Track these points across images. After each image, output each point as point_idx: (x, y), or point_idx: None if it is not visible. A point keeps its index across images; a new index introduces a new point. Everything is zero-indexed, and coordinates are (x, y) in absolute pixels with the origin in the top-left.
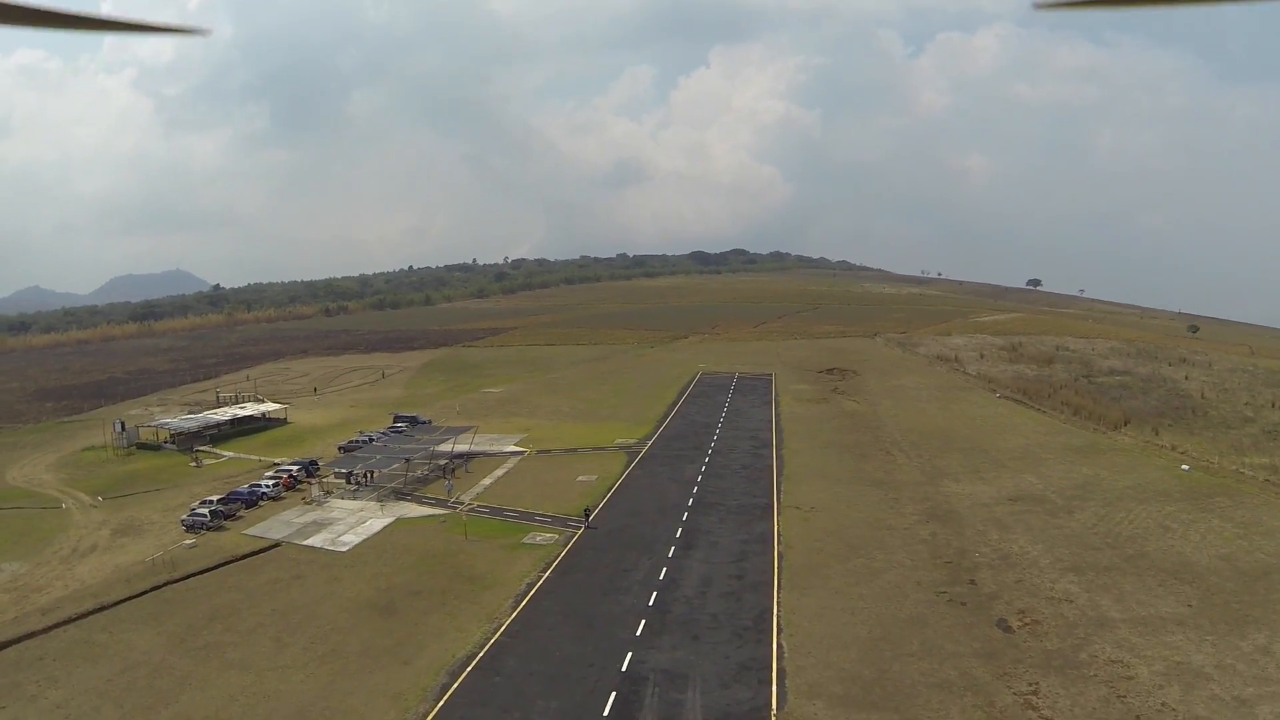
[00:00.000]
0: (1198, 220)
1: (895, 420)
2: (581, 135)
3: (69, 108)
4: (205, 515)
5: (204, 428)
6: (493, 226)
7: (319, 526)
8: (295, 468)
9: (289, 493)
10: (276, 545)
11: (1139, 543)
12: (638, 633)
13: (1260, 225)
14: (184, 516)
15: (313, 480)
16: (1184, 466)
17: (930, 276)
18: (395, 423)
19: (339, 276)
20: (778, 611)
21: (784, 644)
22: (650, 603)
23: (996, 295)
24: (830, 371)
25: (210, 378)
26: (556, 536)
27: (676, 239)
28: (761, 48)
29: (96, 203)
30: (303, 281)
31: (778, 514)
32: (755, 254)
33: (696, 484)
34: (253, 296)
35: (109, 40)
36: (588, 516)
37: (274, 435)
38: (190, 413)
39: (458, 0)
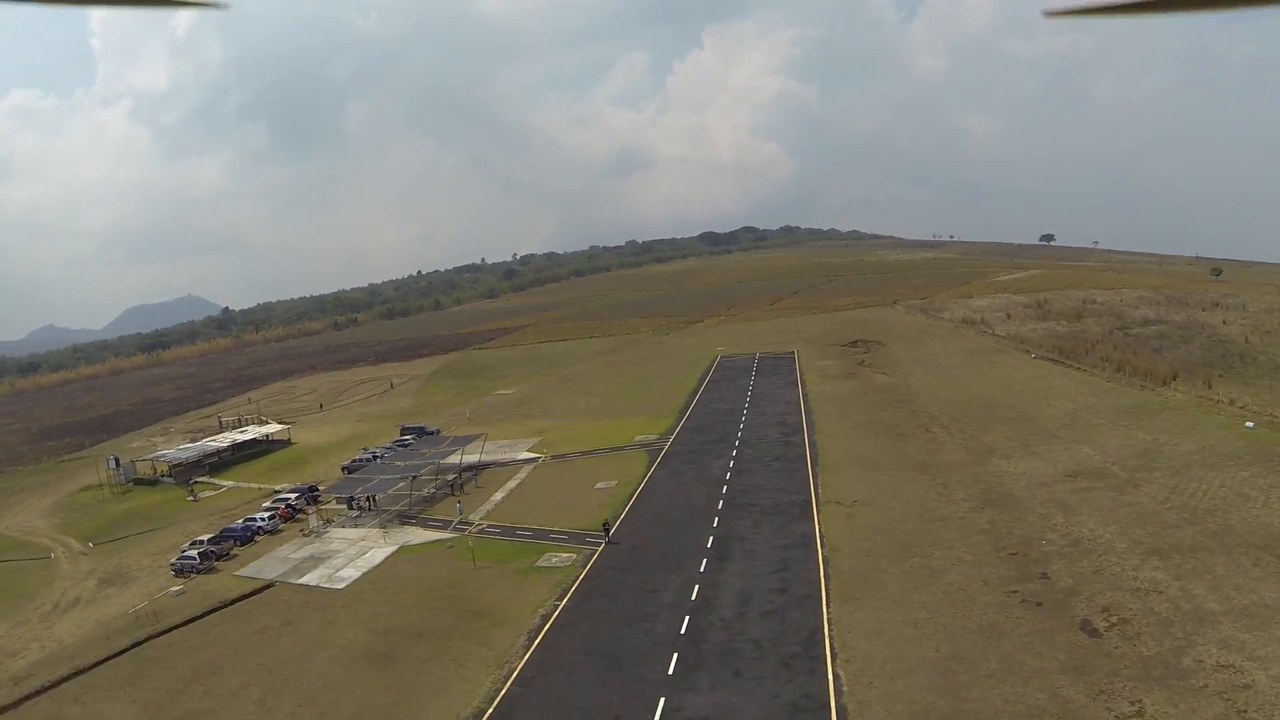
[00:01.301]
0: (1204, 163)
1: (929, 392)
2: (582, 128)
3: (68, 144)
4: (194, 558)
5: (202, 456)
6: (500, 226)
7: (316, 561)
8: (294, 496)
9: (288, 524)
10: (270, 586)
11: (1220, 516)
12: (670, 670)
13: (1267, 164)
14: (173, 560)
15: (310, 510)
16: (1248, 424)
17: (943, 240)
18: (402, 435)
19: (348, 289)
20: (829, 631)
21: (840, 673)
22: (683, 630)
23: (1011, 254)
24: (854, 344)
25: (215, 403)
26: (574, 556)
27: (685, 222)
28: (753, 24)
29: (103, 235)
30: (311, 297)
31: (818, 511)
32: (765, 230)
33: (725, 482)
34: (261, 317)
35: (102, 73)
36: (607, 531)
37: (277, 458)
38: (192, 440)
39: (444, 5)
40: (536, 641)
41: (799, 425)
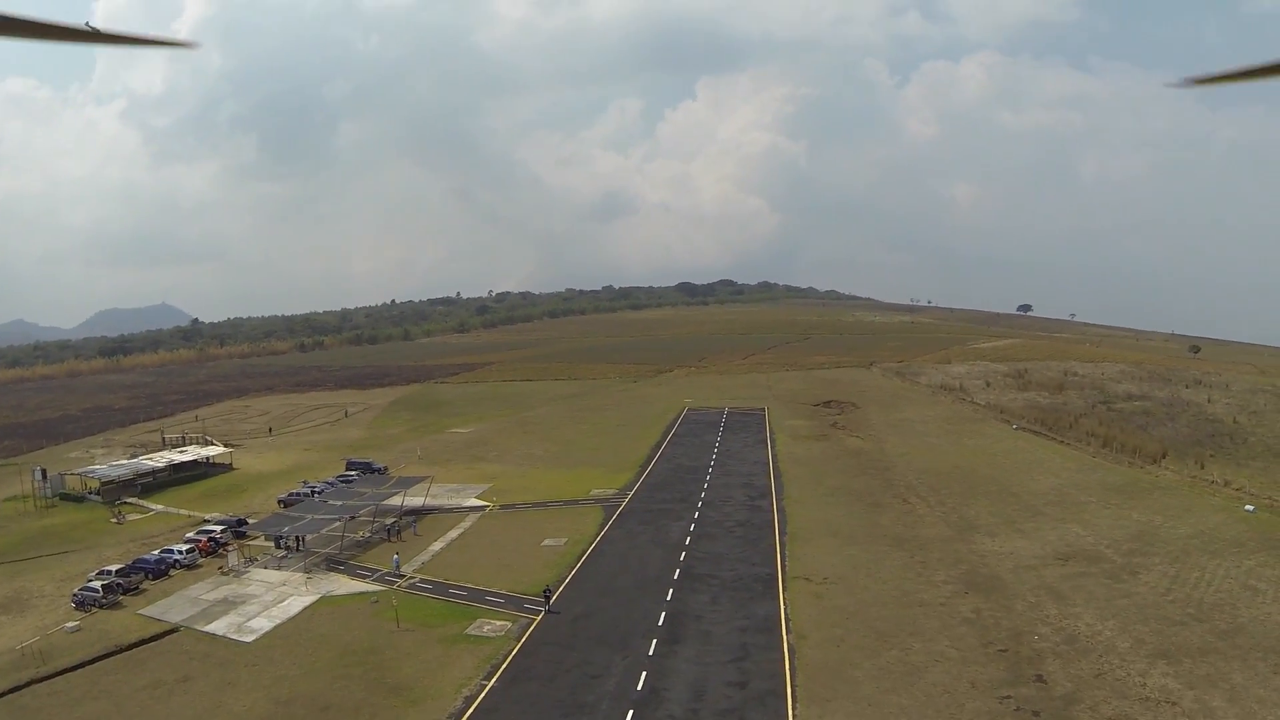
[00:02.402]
0: (1182, 242)
1: (906, 459)
2: (568, 168)
3: (57, 138)
4: (98, 590)
5: (136, 476)
6: (480, 260)
7: (228, 606)
8: (219, 528)
9: (209, 559)
10: (173, 631)
11: (1229, 612)
12: None
13: (1243, 246)
14: (76, 590)
15: (231, 546)
16: (1248, 507)
17: (920, 305)
18: (347, 470)
19: (320, 311)
20: None
21: None
22: None
23: (988, 321)
24: (827, 404)
25: (166, 416)
26: (509, 625)
27: (664, 271)
28: (748, 79)
29: (83, 234)
30: (281, 316)
31: (784, 588)
32: (743, 284)
33: (684, 548)
34: (228, 332)
35: (100, 70)
36: (548, 598)
37: (214, 484)
38: (132, 456)
39: (444, 34)
40: None
41: (767, 489)
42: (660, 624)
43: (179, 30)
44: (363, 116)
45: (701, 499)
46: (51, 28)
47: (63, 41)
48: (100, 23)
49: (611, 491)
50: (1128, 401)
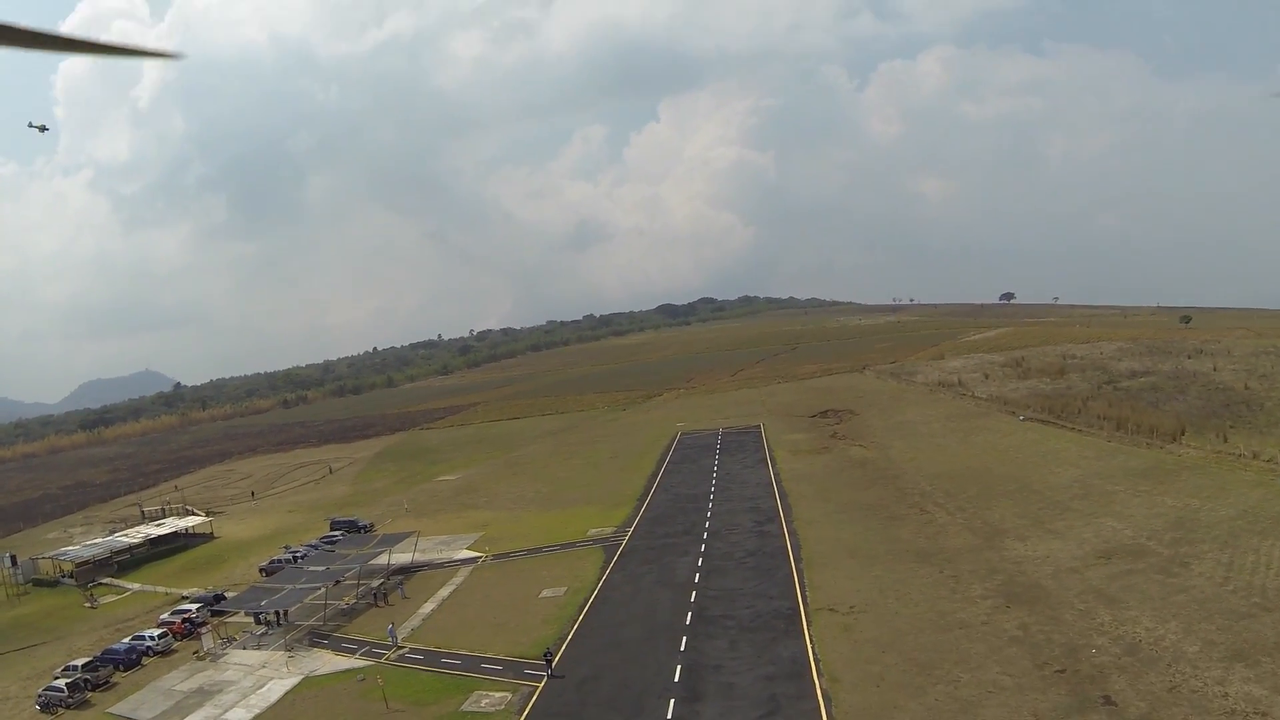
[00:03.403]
0: (1155, 214)
1: (915, 464)
2: (538, 201)
3: (27, 212)
4: (62, 690)
5: (111, 554)
6: (459, 302)
7: (203, 697)
8: (195, 607)
9: (185, 641)
10: None
11: None
12: None
13: (1215, 213)
14: (41, 690)
15: (204, 626)
16: None
17: (903, 303)
18: (331, 530)
19: (303, 365)
20: None
21: None
22: None
23: (974, 313)
24: (824, 414)
25: (147, 487)
26: (509, 696)
27: (643, 295)
28: (709, 95)
29: (61, 308)
30: (264, 374)
31: (808, 624)
32: (723, 301)
33: (694, 587)
34: (210, 394)
35: (64, 141)
36: (550, 661)
37: (193, 556)
38: (111, 532)
39: (403, 79)
40: None
41: (774, 511)
42: (676, 680)
43: (139, 97)
44: (330, 168)
45: (706, 529)
46: (26, 34)
47: (33, 49)
48: (60, 95)
49: (610, 530)
50: (1133, 379)
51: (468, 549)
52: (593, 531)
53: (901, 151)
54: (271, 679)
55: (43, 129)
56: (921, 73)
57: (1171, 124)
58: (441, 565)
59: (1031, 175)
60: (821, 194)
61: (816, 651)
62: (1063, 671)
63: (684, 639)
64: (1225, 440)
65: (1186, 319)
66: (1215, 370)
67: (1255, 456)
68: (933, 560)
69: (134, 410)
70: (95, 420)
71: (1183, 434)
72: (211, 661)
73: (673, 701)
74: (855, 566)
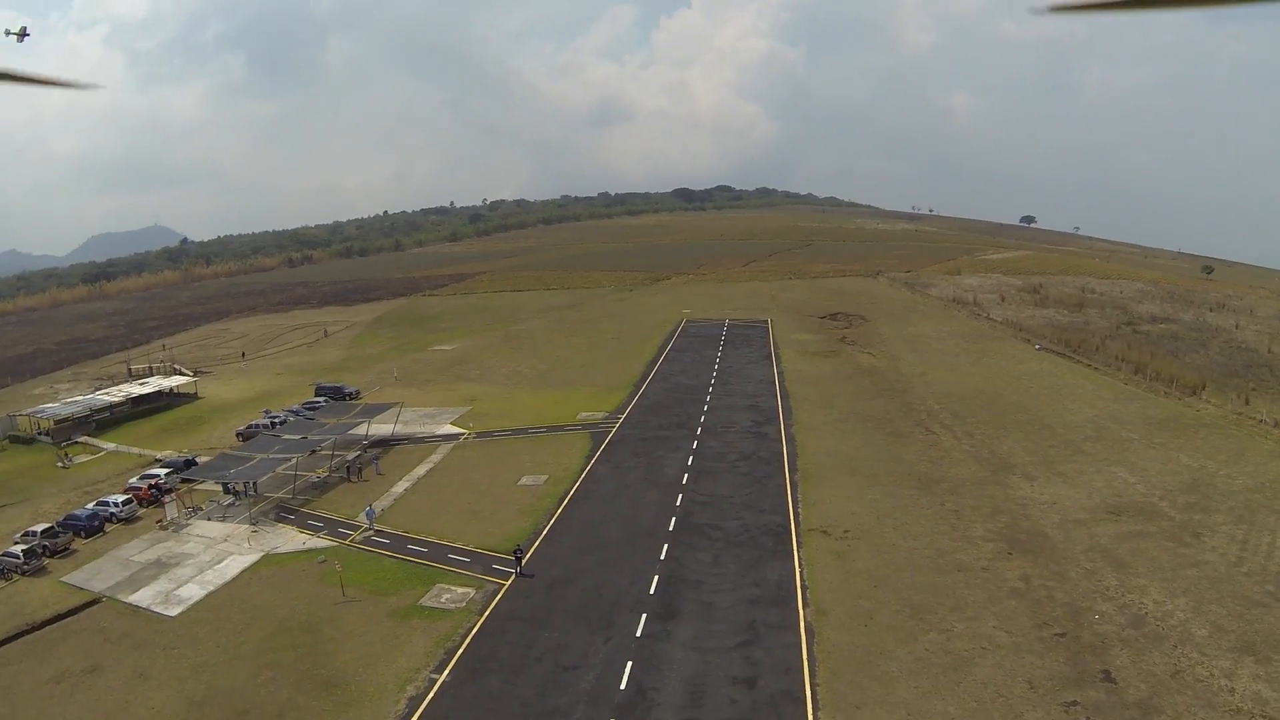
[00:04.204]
0: (1186, 159)
1: (924, 380)
2: (563, 76)
3: (40, 66)
4: (18, 556)
5: (91, 412)
6: (475, 171)
7: (160, 569)
8: (165, 472)
9: (152, 507)
10: (95, 603)
11: None
12: None
13: (1247, 164)
14: None
15: (169, 496)
16: None
17: (922, 213)
18: (315, 395)
19: (313, 225)
20: None
21: None
22: None
23: (993, 232)
24: (834, 317)
25: (144, 344)
26: (472, 593)
27: (661, 178)
28: None
29: (72, 162)
30: (271, 232)
31: (798, 544)
32: (741, 190)
33: (681, 489)
34: (216, 250)
35: None
36: (520, 559)
37: (174, 417)
38: (97, 389)
39: None
40: None
41: (774, 412)
42: (652, 592)
43: None
44: (352, 30)
45: (701, 424)
46: None
47: None
48: None
49: (601, 415)
50: (1153, 324)
51: (451, 424)
52: (583, 415)
53: (934, 63)
54: (231, 554)
55: (22, 34)
56: None
57: (1215, 67)
58: (422, 440)
59: (1065, 103)
60: (849, 96)
61: (805, 578)
62: (1063, 636)
63: (665, 547)
64: (1247, 403)
65: (1209, 270)
66: (1237, 328)
67: (1277, 425)
68: (935, 489)
69: (138, 265)
70: (98, 274)
71: (1203, 389)
72: (174, 532)
73: (644, 617)
74: (853, 485)
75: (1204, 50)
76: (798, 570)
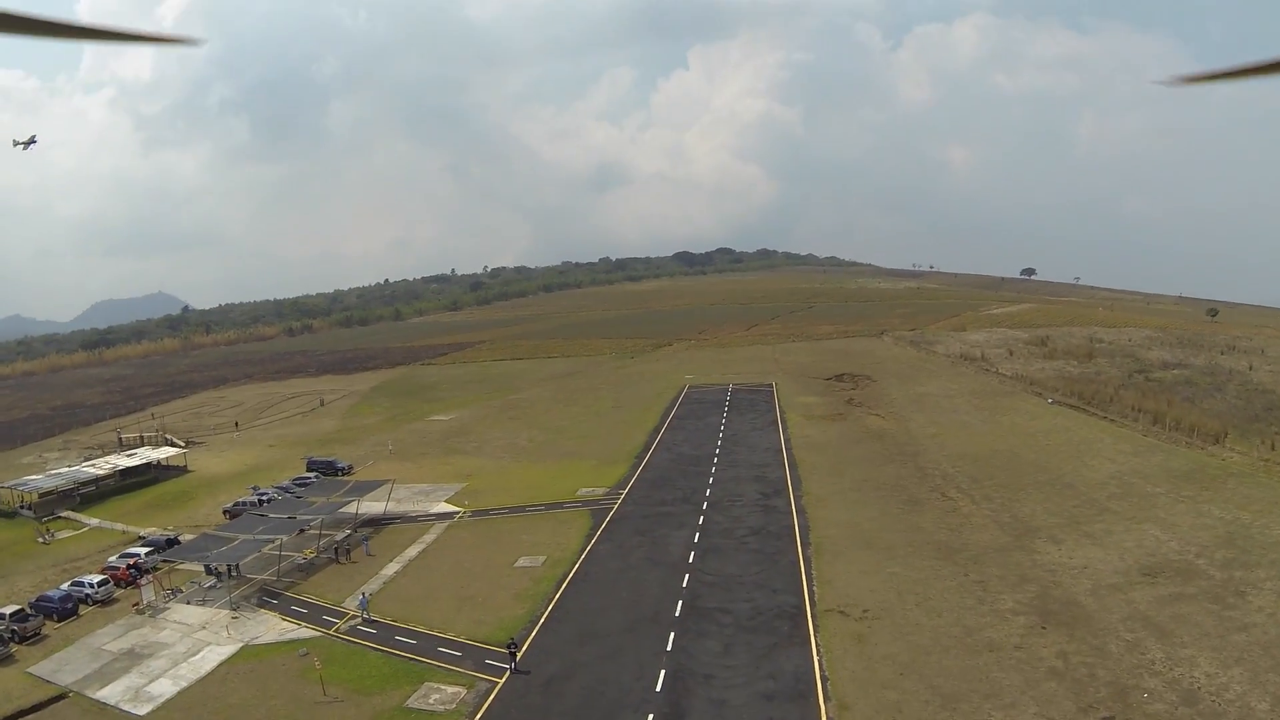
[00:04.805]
0: (1183, 203)
1: (936, 441)
2: (562, 140)
3: (47, 128)
4: None
5: (76, 485)
6: (476, 236)
7: (133, 660)
8: (145, 552)
9: (131, 589)
10: (61, 698)
11: None
12: None
13: (1242, 206)
14: None
15: (143, 580)
16: None
17: (923, 270)
18: (307, 470)
19: (313, 294)
20: None
21: None
22: None
23: (994, 286)
24: (840, 378)
25: (136, 411)
26: (463, 693)
27: (661, 241)
28: (740, 46)
29: (77, 226)
30: (272, 300)
31: (815, 628)
32: (741, 253)
33: (687, 570)
34: (217, 318)
35: (87, 60)
36: (514, 653)
37: (161, 491)
38: (86, 459)
39: (433, 8)
40: None
41: (782, 483)
42: (659, 689)
43: (164, 17)
44: (354, 95)
45: (706, 498)
46: (43, 23)
47: (54, 38)
48: (87, 16)
49: (601, 491)
50: (1165, 370)
51: (446, 501)
52: (583, 491)
53: (930, 118)
54: (208, 644)
55: (29, 143)
56: (957, 39)
57: (1208, 112)
58: (415, 519)
59: (1060, 152)
60: (847, 154)
61: (824, 666)
62: None
63: (671, 635)
64: (1273, 448)
65: (1214, 312)
66: (1251, 369)
67: None
68: (956, 559)
69: (138, 332)
70: (98, 340)
71: (1225, 436)
72: (151, 616)
73: (651, 718)
74: (870, 559)
75: (1195, 95)
76: (816, 658)
